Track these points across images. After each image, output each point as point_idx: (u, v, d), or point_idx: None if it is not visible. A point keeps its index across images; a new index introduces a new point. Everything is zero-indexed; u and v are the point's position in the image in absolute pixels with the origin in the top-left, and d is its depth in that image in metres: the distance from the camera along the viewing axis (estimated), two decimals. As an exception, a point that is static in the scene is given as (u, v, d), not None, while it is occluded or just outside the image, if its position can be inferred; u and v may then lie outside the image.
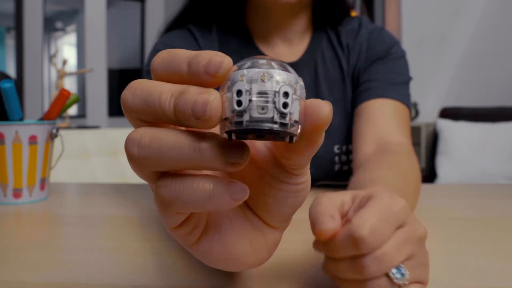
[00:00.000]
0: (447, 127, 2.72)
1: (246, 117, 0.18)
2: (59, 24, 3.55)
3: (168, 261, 0.36)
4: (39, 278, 0.32)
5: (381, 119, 0.62)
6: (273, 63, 0.19)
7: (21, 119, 0.62)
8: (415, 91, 2.45)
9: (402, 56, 0.69)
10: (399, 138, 0.60)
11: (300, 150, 0.20)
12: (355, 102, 0.67)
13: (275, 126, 0.18)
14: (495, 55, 2.92)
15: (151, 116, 0.20)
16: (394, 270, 0.25)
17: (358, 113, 0.65)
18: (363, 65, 0.68)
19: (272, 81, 0.18)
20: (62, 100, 0.62)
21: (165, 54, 0.21)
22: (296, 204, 0.24)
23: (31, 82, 3.26)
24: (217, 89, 0.20)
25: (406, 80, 0.67)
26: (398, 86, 0.65)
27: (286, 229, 0.27)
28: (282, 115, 0.18)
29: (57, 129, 0.65)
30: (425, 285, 0.28)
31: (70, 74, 2.97)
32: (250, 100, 0.18)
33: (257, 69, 0.18)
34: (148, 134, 0.19)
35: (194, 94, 0.18)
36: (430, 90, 3.02)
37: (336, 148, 0.68)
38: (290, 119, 0.18)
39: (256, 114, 0.18)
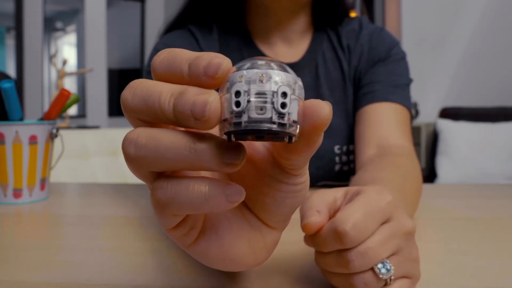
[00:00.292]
0: (447, 127, 2.72)
1: (244, 118, 0.18)
2: (59, 24, 3.55)
3: (168, 261, 0.36)
4: (39, 278, 0.32)
5: (383, 123, 0.62)
6: (272, 64, 0.19)
7: (21, 119, 0.62)
8: (415, 91, 2.45)
9: (402, 57, 0.69)
10: (401, 141, 0.60)
11: (299, 150, 0.20)
12: (357, 105, 0.67)
13: (274, 127, 0.18)
14: (495, 55, 2.92)
15: (150, 116, 0.20)
16: (379, 265, 0.25)
17: (360, 116, 0.65)
18: (365, 66, 0.69)
19: (271, 82, 0.18)
20: (62, 100, 0.62)
21: (165, 54, 0.21)
22: (295, 204, 0.24)
23: (31, 82, 3.26)
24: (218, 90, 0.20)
25: (407, 82, 0.67)
26: (399, 89, 0.65)
27: (286, 229, 0.27)
28: (281, 115, 0.18)
29: (57, 129, 0.65)
30: (415, 279, 0.28)
31: (70, 74, 2.97)
32: (249, 101, 0.18)
33: (255, 70, 0.18)
34: (145, 134, 0.20)
35: (194, 95, 0.18)
36: (430, 90, 3.02)
37: (336, 149, 0.68)
38: (289, 119, 0.18)
39: (254, 115, 0.18)
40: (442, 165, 2.65)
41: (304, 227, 0.27)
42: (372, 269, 0.26)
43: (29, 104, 3.24)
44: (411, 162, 0.54)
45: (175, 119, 0.19)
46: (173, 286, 0.31)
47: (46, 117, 0.63)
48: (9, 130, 0.59)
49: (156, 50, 0.70)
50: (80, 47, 3.57)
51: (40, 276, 0.33)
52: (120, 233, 0.45)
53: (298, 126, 0.19)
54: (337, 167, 0.69)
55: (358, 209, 0.26)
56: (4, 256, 0.37)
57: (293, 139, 0.19)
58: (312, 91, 0.69)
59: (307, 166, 0.23)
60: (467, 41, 2.97)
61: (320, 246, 0.27)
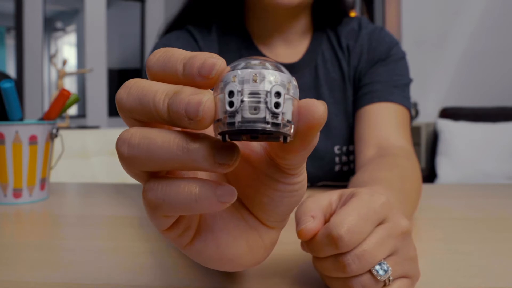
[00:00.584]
0: (447, 127, 2.72)
1: (238, 118, 0.18)
2: (59, 24, 3.55)
3: (168, 261, 0.36)
4: (39, 278, 0.32)
5: (383, 123, 0.62)
6: (266, 64, 0.19)
7: (21, 119, 0.62)
8: (415, 91, 2.45)
9: (402, 57, 0.69)
10: (400, 141, 0.60)
11: (295, 150, 0.20)
12: (357, 105, 0.67)
13: (268, 126, 0.18)
14: (495, 55, 2.92)
15: (145, 116, 0.20)
16: (377, 267, 0.25)
17: (360, 116, 0.65)
18: (365, 66, 0.69)
19: (264, 82, 0.18)
20: (62, 100, 0.62)
21: (161, 54, 0.21)
22: (292, 203, 0.24)
23: (31, 82, 3.26)
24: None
25: (407, 82, 0.67)
26: (399, 89, 0.65)
27: (285, 229, 0.27)
28: (274, 115, 0.18)
29: (57, 129, 0.65)
30: (414, 278, 0.28)
31: (70, 74, 2.97)
32: (242, 101, 0.18)
33: (249, 70, 0.18)
34: (139, 133, 0.20)
35: (188, 95, 0.18)
36: (430, 90, 3.02)
37: (336, 149, 0.68)
38: (283, 119, 0.18)
39: (248, 115, 0.18)
40: (442, 165, 2.65)
41: (299, 233, 0.27)
42: (369, 271, 0.26)
43: (29, 104, 3.24)
44: (410, 162, 0.54)
45: (169, 118, 0.19)
46: (172, 286, 0.31)
47: (46, 117, 0.63)
48: (9, 130, 0.59)
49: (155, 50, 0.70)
50: (80, 47, 3.57)
51: (40, 276, 0.33)
52: (120, 233, 0.45)
53: (293, 126, 0.19)
54: (337, 168, 0.69)
55: (352, 212, 0.26)
56: (4, 256, 0.37)
57: (288, 139, 0.19)
58: (312, 91, 0.69)
59: (304, 166, 0.23)
60: (467, 41, 2.97)
61: (316, 251, 0.27)
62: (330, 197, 0.30)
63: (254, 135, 0.18)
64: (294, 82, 0.19)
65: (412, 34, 3.03)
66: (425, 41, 3.02)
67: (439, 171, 2.64)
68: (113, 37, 3.75)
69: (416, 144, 2.74)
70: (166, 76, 0.20)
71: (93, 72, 3.49)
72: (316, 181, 0.70)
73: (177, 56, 0.20)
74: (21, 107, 0.61)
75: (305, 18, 0.70)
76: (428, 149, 2.86)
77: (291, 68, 0.69)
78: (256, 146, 0.23)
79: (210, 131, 0.22)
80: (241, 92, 0.18)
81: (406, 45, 2.89)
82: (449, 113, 2.82)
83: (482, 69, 2.94)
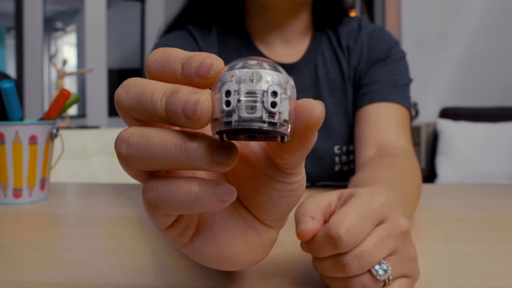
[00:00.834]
0: (447, 127, 2.72)
1: (234, 117, 0.18)
2: (59, 24, 3.55)
3: (168, 261, 0.36)
4: (39, 278, 0.32)
5: (383, 123, 0.62)
6: (264, 64, 0.19)
7: (21, 119, 0.62)
8: (415, 91, 2.45)
9: (402, 57, 0.69)
10: (400, 141, 0.60)
11: (293, 150, 0.20)
12: (357, 105, 0.67)
13: (264, 126, 0.18)
14: (495, 55, 2.92)
15: (143, 115, 0.20)
16: (376, 267, 0.26)
17: (360, 116, 0.65)
18: (365, 66, 0.69)
19: (261, 81, 0.18)
20: (62, 100, 0.62)
21: (159, 53, 0.21)
22: (291, 203, 0.24)
23: (31, 82, 3.26)
24: None
25: (407, 82, 0.67)
26: (399, 89, 0.65)
27: (285, 228, 0.27)
28: (271, 114, 0.18)
29: (57, 129, 0.65)
30: (414, 278, 0.28)
31: (70, 74, 2.97)
32: (239, 100, 0.18)
33: (246, 70, 0.18)
34: (137, 133, 0.20)
35: (186, 94, 0.19)
36: (430, 90, 3.02)
37: (336, 149, 0.68)
38: (279, 118, 0.18)
39: (244, 114, 0.18)
40: (442, 165, 2.65)
41: (298, 234, 0.27)
42: (369, 271, 0.26)
43: (29, 104, 3.24)
44: (410, 162, 0.54)
45: (167, 117, 0.19)
46: (172, 286, 0.31)
47: (46, 117, 0.63)
48: (9, 130, 0.59)
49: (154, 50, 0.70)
50: (80, 47, 3.57)
51: (40, 276, 0.33)
52: (120, 233, 0.45)
53: (290, 125, 0.19)
54: (337, 167, 0.69)
55: (351, 213, 0.26)
56: (4, 256, 0.37)
57: (286, 138, 0.19)
58: (312, 91, 0.69)
59: (303, 165, 0.23)
60: (467, 41, 2.97)
61: (316, 251, 0.27)
62: (329, 197, 0.30)
63: (251, 134, 0.18)
64: (292, 82, 0.19)
65: (412, 34, 3.03)
66: (425, 41, 3.02)
67: (439, 171, 2.64)
68: (113, 37, 3.75)
69: (416, 144, 2.74)
70: (164, 76, 0.20)
71: (93, 72, 3.49)
72: (316, 181, 0.70)
73: (176, 56, 0.20)
74: (21, 107, 0.61)
75: (305, 18, 0.70)
76: (428, 149, 2.86)
77: (291, 68, 0.69)
78: (254, 146, 0.23)
79: (208, 130, 0.22)
80: (238, 92, 0.18)
81: (406, 45, 2.89)
82: (449, 113, 2.83)
83: (482, 69, 2.94)
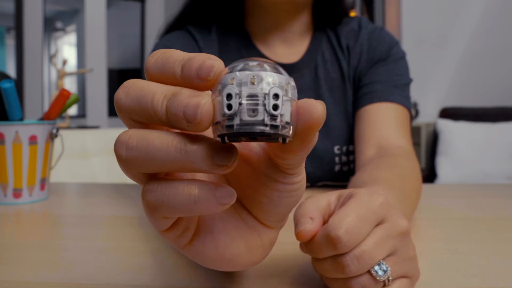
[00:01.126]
0: (447, 127, 2.72)
1: (236, 121, 0.18)
2: (59, 24, 3.55)
3: (168, 261, 0.36)
4: (39, 278, 0.32)
5: (383, 123, 0.62)
6: (265, 65, 0.19)
7: (21, 119, 0.62)
8: (415, 91, 2.45)
9: (402, 57, 0.69)
10: (400, 141, 0.60)
11: (294, 150, 0.20)
12: (357, 105, 0.67)
13: (266, 129, 0.18)
14: (495, 55, 2.92)
15: (143, 117, 0.20)
16: (376, 267, 0.26)
17: (360, 116, 0.65)
18: (365, 66, 0.69)
19: (262, 84, 0.18)
20: (62, 100, 0.62)
21: (159, 55, 0.21)
22: (291, 203, 0.24)
23: (31, 82, 3.26)
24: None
25: (407, 82, 0.67)
26: (399, 89, 0.65)
27: (285, 229, 0.27)
28: (273, 117, 0.18)
29: (57, 129, 0.65)
30: (414, 278, 0.28)
31: (70, 74, 2.97)
32: (240, 104, 0.18)
33: (247, 72, 0.18)
34: (136, 135, 0.20)
35: (186, 97, 0.18)
36: (430, 90, 3.02)
37: (336, 149, 0.68)
38: (281, 120, 0.18)
39: (246, 117, 0.18)
40: (442, 165, 2.65)
41: (297, 235, 0.27)
42: (369, 271, 0.26)
43: (29, 104, 3.24)
44: (410, 162, 0.54)
45: (167, 120, 0.19)
46: (172, 286, 0.31)
47: (46, 117, 0.63)
48: (9, 130, 0.59)
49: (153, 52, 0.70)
50: (80, 47, 3.57)
51: (40, 276, 0.33)
52: (120, 233, 0.45)
53: (291, 127, 0.19)
54: (337, 168, 0.69)
55: (351, 213, 0.26)
56: (4, 256, 0.37)
57: (287, 139, 0.19)
58: (312, 91, 0.69)
59: (303, 165, 0.23)
60: (467, 41, 2.97)
61: (315, 252, 0.27)
62: (328, 198, 0.30)
63: (253, 136, 0.18)
64: (292, 83, 0.19)
65: (412, 34, 3.03)
66: (425, 41, 3.02)
67: (439, 171, 2.64)
68: (113, 37, 3.75)
69: (416, 144, 2.74)
70: (164, 78, 0.20)
71: (93, 72, 3.49)
72: (316, 181, 0.70)
73: (175, 57, 0.20)
74: (21, 107, 0.61)
75: (305, 18, 0.70)
76: (428, 149, 2.86)
77: (291, 68, 0.69)
78: (255, 147, 0.23)
79: (208, 132, 0.22)
80: (239, 95, 0.18)
81: (406, 45, 2.89)
82: (449, 113, 2.82)
83: (482, 69, 2.94)
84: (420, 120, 2.96)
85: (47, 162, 0.64)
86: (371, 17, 3.24)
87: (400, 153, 0.56)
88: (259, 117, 0.18)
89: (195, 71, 0.19)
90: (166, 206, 0.20)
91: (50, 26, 3.46)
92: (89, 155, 1.59)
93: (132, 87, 0.20)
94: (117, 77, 3.80)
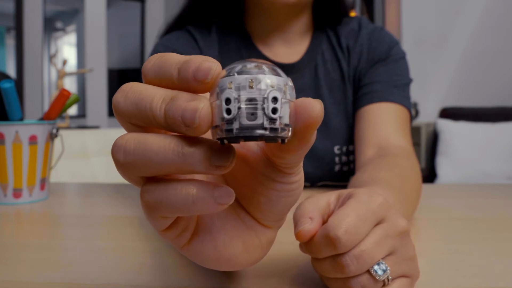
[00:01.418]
0: (447, 127, 2.72)
1: (236, 125, 0.18)
2: (59, 24, 3.55)
3: (167, 261, 0.36)
4: (39, 278, 0.32)
5: (383, 123, 0.62)
6: (263, 67, 0.19)
7: (21, 119, 0.62)
8: (415, 91, 2.45)
9: (402, 57, 0.69)
10: (400, 141, 0.60)
11: (293, 149, 0.20)
12: (357, 105, 0.67)
13: (266, 133, 0.18)
14: (495, 55, 2.92)
15: (142, 121, 0.20)
16: (375, 267, 0.26)
17: (360, 116, 0.65)
18: (365, 66, 0.69)
19: (261, 87, 0.18)
20: (62, 100, 0.62)
21: (156, 59, 0.21)
22: (290, 203, 0.24)
23: (31, 82, 3.26)
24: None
25: (407, 82, 0.67)
26: (399, 89, 0.65)
27: (284, 229, 0.27)
28: (272, 120, 0.18)
29: (57, 129, 0.65)
30: (414, 278, 0.28)
31: (70, 74, 2.97)
32: (239, 108, 0.18)
33: (245, 76, 0.18)
34: (133, 139, 0.20)
35: (184, 101, 0.18)
36: (430, 90, 3.02)
37: (336, 149, 0.68)
38: (280, 123, 0.18)
39: (245, 122, 0.18)
40: (442, 165, 2.65)
41: (297, 235, 0.27)
42: (368, 271, 0.26)
43: (29, 104, 3.24)
44: (410, 162, 0.54)
45: (166, 125, 0.19)
46: (172, 286, 0.31)
47: (46, 117, 0.63)
48: (9, 130, 0.59)
49: (155, 51, 0.70)
50: (80, 47, 3.57)
51: (40, 276, 0.33)
52: (120, 233, 0.45)
53: (290, 128, 0.19)
54: (337, 168, 0.69)
55: (350, 213, 0.26)
56: (4, 256, 0.37)
57: (286, 140, 0.19)
58: (312, 91, 0.69)
59: (301, 165, 0.23)
60: (467, 41, 2.97)
61: (314, 252, 0.27)
62: (328, 198, 0.30)
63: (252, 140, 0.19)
64: (290, 83, 0.19)
65: (412, 34, 3.03)
66: (425, 41, 3.02)
67: (439, 171, 2.64)
68: (113, 37, 3.75)
69: (416, 144, 2.74)
70: (162, 82, 0.20)
71: (93, 72, 3.49)
72: (316, 181, 0.70)
73: (172, 61, 0.20)
74: (21, 107, 0.61)
75: (306, 18, 0.70)
76: (428, 149, 2.86)
77: (291, 68, 0.69)
78: (253, 146, 0.23)
79: (207, 133, 0.22)
80: (238, 100, 0.18)
81: (406, 45, 2.89)
82: (449, 113, 2.82)
83: (482, 69, 2.94)
84: (420, 120, 2.96)
85: (47, 162, 0.64)
86: (371, 17, 3.24)
87: (400, 153, 0.56)
88: (259, 121, 0.18)
89: (191, 74, 0.19)
90: (164, 206, 0.20)
91: (50, 26, 3.46)
92: (89, 155, 1.59)
93: (130, 91, 0.20)
94: (117, 77, 3.80)
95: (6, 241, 0.42)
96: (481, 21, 2.94)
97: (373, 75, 0.67)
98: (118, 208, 0.58)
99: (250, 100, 0.18)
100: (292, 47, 0.71)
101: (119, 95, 0.20)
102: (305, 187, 0.69)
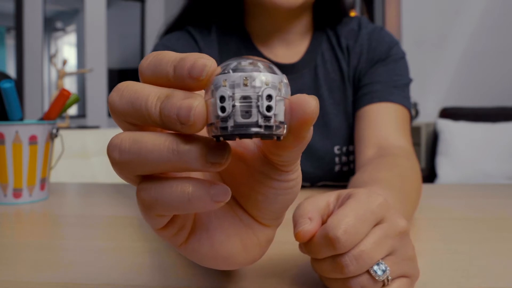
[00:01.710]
0: (447, 127, 2.72)
1: (230, 123, 0.18)
2: (59, 24, 3.55)
3: (167, 261, 0.36)
4: (39, 278, 0.32)
5: (383, 123, 0.62)
6: (258, 64, 0.19)
7: (21, 119, 0.62)
8: (415, 91, 2.45)
9: (402, 57, 0.69)
10: (400, 142, 0.60)
11: (289, 146, 0.20)
12: (357, 105, 0.67)
13: (261, 130, 0.18)
14: (495, 55, 2.92)
15: (138, 119, 0.20)
16: (375, 267, 0.26)
17: (360, 116, 0.65)
18: (364, 66, 0.68)
19: (255, 85, 0.18)
20: (62, 100, 0.62)
21: (152, 57, 0.21)
22: (287, 201, 0.24)
23: (31, 82, 3.26)
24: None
25: (407, 82, 0.67)
26: (399, 89, 0.65)
27: (284, 228, 0.27)
28: (267, 118, 0.18)
29: (57, 129, 0.65)
30: (414, 278, 0.28)
31: (70, 74, 2.97)
32: (234, 106, 0.18)
33: (239, 73, 0.18)
34: (129, 138, 0.20)
35: (179, 99, 0.18)
36: (430, 90, 3.02)
37: (336, 149, 0.68)
38: (275, 121, 0.18)
39: (240, 119, 0.18)
40: (442, 165, 2.65)
41: (296, 235, 0.27)
42: (368, 271, 0.26)
43: (29, 104, 3.24)
44: (410, 162, 0.54)
45: (161, 122, 0.19)
46: (172, 286, 0.31)
47: (46, 117, 0.63)
48: (9, 130, 0.59)
49: (155, 51, 0.70)
50: (80, 47, 3.57)
51: (40, 276, 0.33)
52: (120, 233, 0.45)
53: (285, 125, 0.19)
54: (337, 168, 0.69)
55: (349, 213, 0.26)
56: (4, 256, 0.37)
57: (281, 137, 0.19)
58: (311, 92, 0.69)
59: (298, 163, 0.23)
60: (467, 41, 2.97)
61: (314, 253, 0.27)
62: (327, 198, 0.30)
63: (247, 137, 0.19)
64: (285, 80, 0.19)
65: (412, 34, 3.03)
66: (425, 41, 3.02)
67: (439, 171, 2.64)
68: (113, 37, 3.75)
69: (416, 144, 2.74)
70: (158, 80, 0.20)
71: (93, 72, 3.49)
72: (316, 181, 0.70)
73: (167, 59, 0.20)
74: (21, 107, 0.61)
75: (306, 19, 0.70)
76: (428, 149, 2.86)
77: (291, 68, 0.69)
78: (249, 144, 0.23)
79: (203, 131, 0.22)
80: (232, 97, 0.18)
81: (406, 45, 2.89)
82: (449, 113, 2.82)
83: (482, 69, 2.94)
84: (420, 120, 2.96)
85: (47, 162, 0.64)
86: (371, 17, 3.24)
87: (400, 153, 0.56)
88: (253, 118, 0.18)
89: (187, 71, 0.19)
90: (160, 204, 0.20)
91: (50, 26, 3.46)
92: (89, 155, 1.59)
93: (125, 89, 0.20)
94: (117, 77, 3.80)
95: (6, 241, 0.42)
96: (481, 21, 2.94)
97: (373, 75, 0.67)
98: (118, 208, 0.58)
99: (245, 98, 0.18)
100: (291, 47, 0.71)
101: (114, 94, 0.20)
102: (305, 187, 0.69)
